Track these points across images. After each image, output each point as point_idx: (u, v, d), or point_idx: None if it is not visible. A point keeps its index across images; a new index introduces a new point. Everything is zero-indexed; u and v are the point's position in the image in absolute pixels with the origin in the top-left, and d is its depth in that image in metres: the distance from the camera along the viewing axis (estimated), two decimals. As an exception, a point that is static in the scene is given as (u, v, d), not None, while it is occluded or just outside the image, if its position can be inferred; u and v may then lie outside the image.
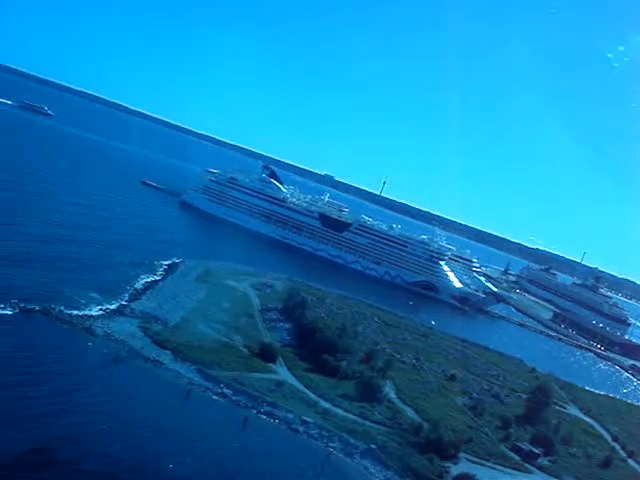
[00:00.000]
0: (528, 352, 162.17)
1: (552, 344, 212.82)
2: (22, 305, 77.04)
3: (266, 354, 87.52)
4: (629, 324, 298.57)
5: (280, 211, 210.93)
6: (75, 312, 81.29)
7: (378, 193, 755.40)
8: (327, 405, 78.86)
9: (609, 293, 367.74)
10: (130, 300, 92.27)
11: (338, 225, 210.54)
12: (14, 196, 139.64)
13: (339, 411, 78.16)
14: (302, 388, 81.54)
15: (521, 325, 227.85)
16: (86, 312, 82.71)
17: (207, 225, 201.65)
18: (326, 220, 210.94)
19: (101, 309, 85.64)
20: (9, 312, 74.68)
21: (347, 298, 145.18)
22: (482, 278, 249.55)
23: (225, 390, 74.04)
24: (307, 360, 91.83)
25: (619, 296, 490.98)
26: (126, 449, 57.08)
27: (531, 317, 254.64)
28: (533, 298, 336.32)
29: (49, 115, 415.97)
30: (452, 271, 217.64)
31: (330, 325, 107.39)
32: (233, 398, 73.18)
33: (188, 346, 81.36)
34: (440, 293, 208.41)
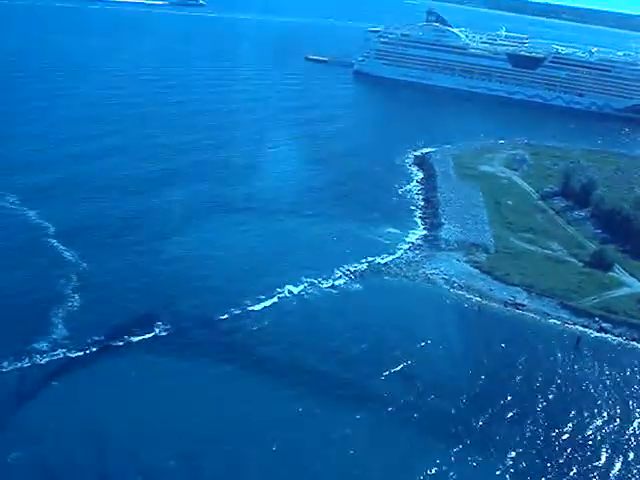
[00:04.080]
0: None
1: None
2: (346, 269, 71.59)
3: (600, 262, 78.17)
4: None
5: (463, 60, 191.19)
6: (392, 258, 75.03)
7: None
8: None
9: None
10: (431, 228, 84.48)
11: (530, 62, 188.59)
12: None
13: None
14: (667, 301, 72.16)
15: None
16: (401, 255, 76.22)
17: (393, 93, 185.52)
18: (516, 59, 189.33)
19: (409, 247, 78.75)
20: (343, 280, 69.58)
21: (592, 152, 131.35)
22: None
23: (603, 324, 66.20)
24: (638, 257, 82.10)
25: None
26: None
27: None
28: None
29: (202, 5, 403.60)
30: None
31: (613, 197, 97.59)
32: (615, 332, 65.52)
33: (528, 275, 73.31)
34: None
